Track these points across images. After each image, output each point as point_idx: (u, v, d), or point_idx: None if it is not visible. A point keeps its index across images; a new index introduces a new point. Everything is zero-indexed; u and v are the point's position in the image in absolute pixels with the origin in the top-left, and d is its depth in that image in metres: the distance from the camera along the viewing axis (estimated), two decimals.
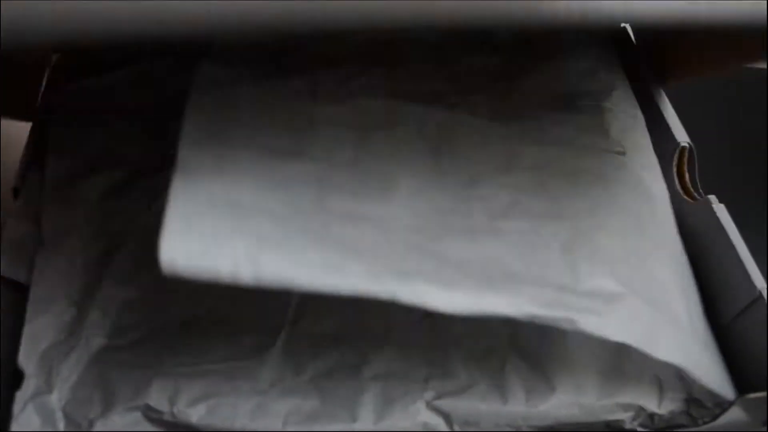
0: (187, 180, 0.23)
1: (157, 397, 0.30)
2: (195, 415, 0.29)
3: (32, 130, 0.40)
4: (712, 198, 0.34)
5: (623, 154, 0.34)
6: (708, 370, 0.29)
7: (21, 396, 0.30)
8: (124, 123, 0.41)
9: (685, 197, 0.36)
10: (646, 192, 0.33)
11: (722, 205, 0.33)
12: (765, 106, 0.55)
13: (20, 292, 0.34)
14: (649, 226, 0.32)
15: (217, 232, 0.22)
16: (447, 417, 0.29)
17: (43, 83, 0.43)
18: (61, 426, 0.29)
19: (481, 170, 0.29)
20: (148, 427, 0.29)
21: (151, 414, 0.29)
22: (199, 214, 0.22)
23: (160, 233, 0.21)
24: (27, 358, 0.31)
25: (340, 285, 0.21)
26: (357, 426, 0.29)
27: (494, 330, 0.30)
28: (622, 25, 0.45)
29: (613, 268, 0.28)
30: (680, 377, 0.30)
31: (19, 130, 0.41)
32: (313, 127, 0.28)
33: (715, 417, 0.29)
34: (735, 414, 0.29)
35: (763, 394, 0.28)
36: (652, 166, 0.36)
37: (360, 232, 0.24)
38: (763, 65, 0.58)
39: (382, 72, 0.35)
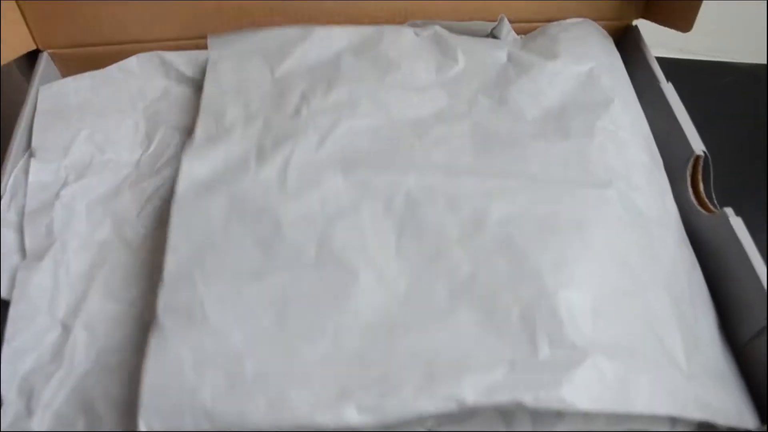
0: (161, 345, 0.27)
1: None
2: None
3: (15, 132, 0.38)
4: (729, 211, 0.32)
5: (608, 184, 0.32)
6: (715, 402, 0.28)
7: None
8: (113, 123, 0.39)
9: (700, 208, 0.34)
10: (636, 220, 0.32)
11: (740, 219, 0.32)
12: (765, 107, 0.53)
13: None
14: (635, 260, 0.30)
15: (181, 396, 0.26)
16: None
17: (34, 80, 0.41)
18: None
19: (446, 239, 0.30)
20: None
21: None
22: (170, 376, 0.26)
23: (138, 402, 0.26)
24: (7, 383, 0.29)
25: (283, 421, 0.25)
26: None
27: None
28: (634, 23, 0.43)
29: (577, 327, 0.27)
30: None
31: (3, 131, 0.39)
32: (279, 233, 0.30)
33: None
34: None
35: None
36: (649, 184, 0.34)
37: (314, 349, 0.27)
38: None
39: (368, 93, 0.37)
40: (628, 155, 0.34)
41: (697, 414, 0.27)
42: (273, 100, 0.38)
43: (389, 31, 0.41)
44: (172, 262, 0.30)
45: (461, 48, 0.40)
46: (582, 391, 0.25)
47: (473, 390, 0.25)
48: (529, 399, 0.25)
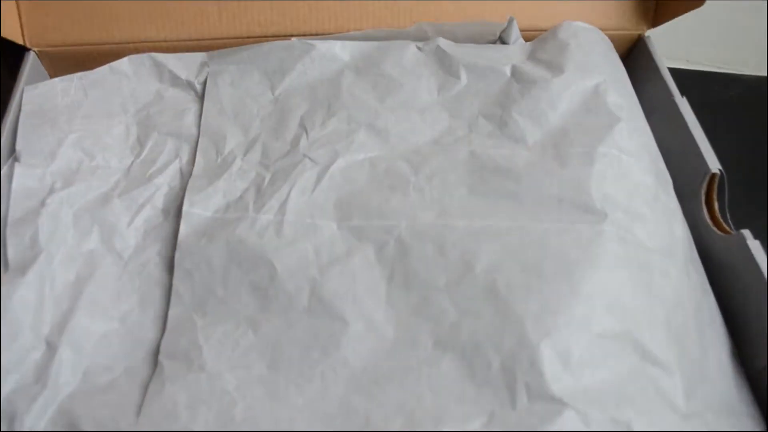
0: (158, 387, 0.29)
1: None
2: None
3: (0, 130, 0.36)
4: (746, 233, 0.31)
5: (604, 219, 0.31)
6: None
7: None
8: (102, 127, 0.38)
9: (714, 228, 0.33)
10: (634, 254, 0.31)
11: (757, 242, 0.31)
12: (765, 111, 0.53)
13: None
14: (629, 300, 0.29)
15: None
16: None
17: (20, 80, 0.39)
18: None
19: (433, 286, 0.30)
20: None
21: None
22: (165, 414, 0.28)
23: None
24: None
25: None
26: None
27: None
28: (646, 33, 0.42)
29: (558, 377, 0.27)
30: None
31: None
32: (274, 280, 0.31)
33: None
34: None
35: None
36: (652, 211, 0.33)
37: (302, 395, 0.28)
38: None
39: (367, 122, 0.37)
40: (631, 180, 0.33)
41: None
42: (272, 125, 0.38)
43: (391, 48, 0.40)
44: (175, 309, 0.31)
45: (464, 63, 0.39)
46: None
47: None
48: None
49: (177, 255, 0.32)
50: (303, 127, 0.37)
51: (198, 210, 0.34)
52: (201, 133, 0.37)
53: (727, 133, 0.51)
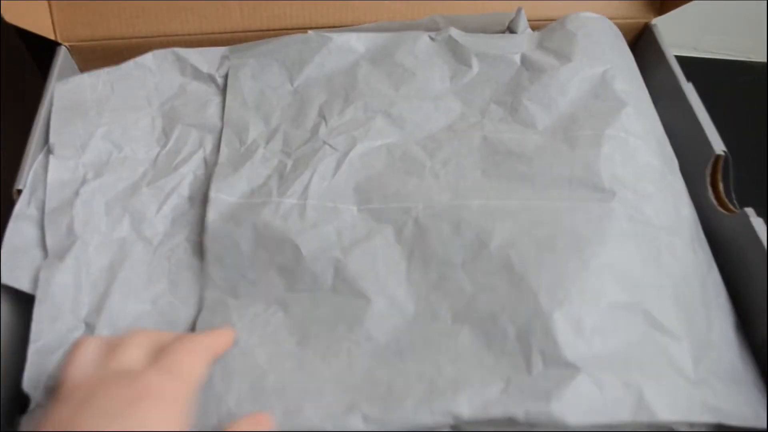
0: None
1: None
2: None
3: (33, 128, 0.38)
4: (750, 211, 0.32)
5: (612, 196, 0.32)
6: (727, 405, 0.28)
7: (27, 421, 0.28)
8: (129, 120, 0.39)
9: (719, 208, 0.34)
10: (642, 230, 0.32)
11: (761, 220, 0.32)
12: (765, 107, 0.53)
13: (22, 299, 0.32)
14: (638, 272, 0.30)
15: (209, 401, 0.29)
16: None
17: (52, 74, 0.41)
18: None
19: (450, 264, 0.31)
20: None
21: None
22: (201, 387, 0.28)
23: None
24: (34, 381, 0.29)
25: (296, 428, 0.28)
26: None
27: None
28: (653, 21, 0.43)
29: (571, 344, 0.28)
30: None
31: (23, 127, 0.39)
32: (300, 264, 0.32)
33: None
34: None
35: None
36: (659, 191, 0.34)
37: (328, 368, 0.29)
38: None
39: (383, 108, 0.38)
40: (638, 162, 0.34)
41: (705, 417, 0.27)
42: (292, 114, 0.39)
43: (405, 38, 0.41)
44: (210, 292, 0.33)
45: (475, 52, 0.40)
46: (572, 406, 0.26)
47: (469, 406, 0.27)
48: (520, 414, 0.27)
49: (206, 240, 0.34)
50: (322, 116, 0.38)
51: (224, 196, 0.35)
52: (224, 124, 0.39)
53: (737, 119, 0.52)
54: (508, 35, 0.42)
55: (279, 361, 0.30)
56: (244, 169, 0.36)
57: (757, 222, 0.32)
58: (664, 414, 0.26)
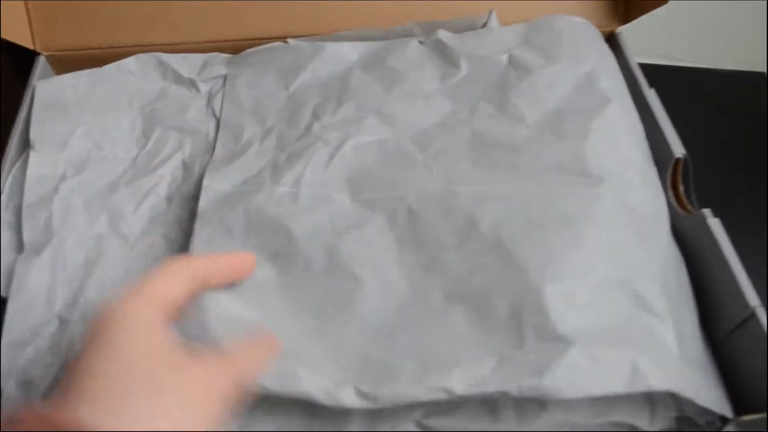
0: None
1: None
2: None
3: (13, 132, 0.39)
4: (707, 212, 0.33)
5: (600, 182, 0.33)
6: (702, 388, 0.29)
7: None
8: (110, 120, 0.40)
9: (679, 209, 0.35)
10: (629, 215, 0.33)
11: (717, 219, 0.33)
12: (765, 112, 0.55)
13: None
14: (628, 252, 0.31)
15: None
16: None
17: (30, 83, 0.42)
18: None
19: (442, 247, 0.32)
20: None
21: None
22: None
23: None
24: (6, 375, 0.30)
25: (290, 391, 0.27)
26: None
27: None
28: (618, 30, 0.45)
29: (563, 318, 0.28)
30: (672, 396, 0.29)
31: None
32: (291, 246, 0.33)
33: None
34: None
35: (761, 415, 0.27)
36: (643, 182, 0.35)
37: (320, 346, 0.29)
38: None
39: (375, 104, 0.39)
40: (623, 153, 0.35)
41: (690, 393, 0.27)
42: (287, 116, 0.40)
43: (395, 44, 0.42)
44: None
45: (464, 53, 0.41)
46: (565, 379, 0.26)
47: (462, 381, 0.27)
48: (513, 389, 0.26)
49: (197, 224, 0.34)
50: (315, 116, 0.39)
51: (217, 184, 0.36)
52: (221, 127, 0.40)
53: (705, 126, 0.53)
54: (494, 32, 0.43)
55: (273, 330, 0.30)
56: (238, 162, 0.37)
57: (713, 222, 0.33)
58: (659, 383, 0.27)
